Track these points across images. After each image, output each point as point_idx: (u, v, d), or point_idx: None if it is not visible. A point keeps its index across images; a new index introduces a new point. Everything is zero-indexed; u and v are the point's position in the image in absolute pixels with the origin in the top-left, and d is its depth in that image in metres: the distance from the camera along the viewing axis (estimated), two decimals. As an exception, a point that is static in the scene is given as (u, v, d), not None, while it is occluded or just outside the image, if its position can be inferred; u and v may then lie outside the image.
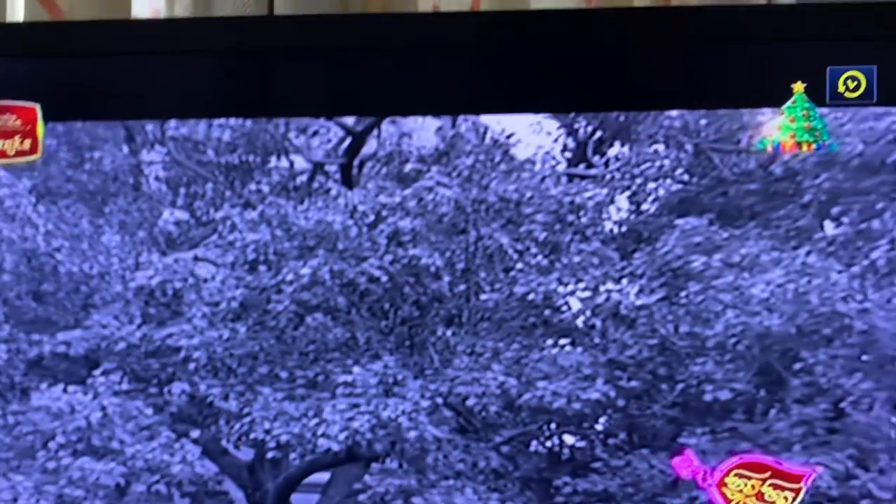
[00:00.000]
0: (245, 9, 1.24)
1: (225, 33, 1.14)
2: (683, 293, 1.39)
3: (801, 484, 1.24)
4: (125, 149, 1.37)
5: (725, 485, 1.25)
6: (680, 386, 1.43)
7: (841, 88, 1.06)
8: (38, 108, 1.12)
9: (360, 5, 1.24)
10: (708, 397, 1.41)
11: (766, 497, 1.24)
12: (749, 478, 1.25)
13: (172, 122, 1.35)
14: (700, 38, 1.06)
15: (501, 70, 1.15)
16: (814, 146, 1.12)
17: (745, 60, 1.05)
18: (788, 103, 1.06)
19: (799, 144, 1.12)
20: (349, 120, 1.33)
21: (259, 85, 1.18)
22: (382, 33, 1.13)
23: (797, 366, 1.40)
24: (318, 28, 1.13)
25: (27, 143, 1.19)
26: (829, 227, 1.41)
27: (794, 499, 1.24)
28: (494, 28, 1.13)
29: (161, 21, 1.22)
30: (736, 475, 1.25)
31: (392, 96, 1.19)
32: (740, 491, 1.24)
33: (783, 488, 1.24)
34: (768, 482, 1.24)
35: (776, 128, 1.11)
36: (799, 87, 1.04)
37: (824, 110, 1.07)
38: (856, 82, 1.06)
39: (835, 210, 1.39)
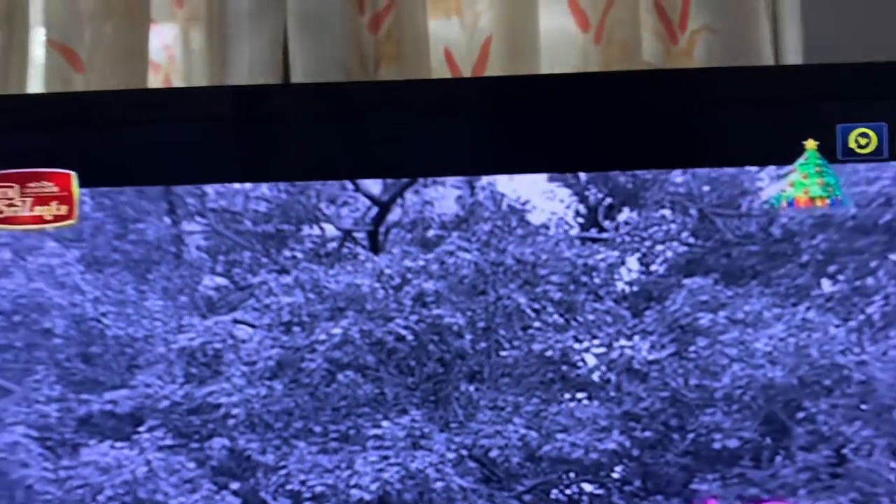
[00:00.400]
0: (261, 59, 1.21)
1: (247, 101, 1.16)
2: (692, 348, 1.44)
3: None
4: (167, 220, 1.45)
5: None
6: (691, 435, 1.48)
7: (852, 145, 1.06)
8: (73, 175, 1.13)
9: (373, 71, 1.24)
10: (717, 445, 1.46)
11: None
12: None
13: (212, 195, 1.42)
14: (714, 98, 1.07)
15: (510, 132, 1.17)
16: (827, 201, 1.12)
17: (757, 119, 1.06)
18: (801, 160, 1.06)
19: (812, 200, 1.11)
20: (375, 190, 1.40)
21: (283, 150, 1.21)
22: (396, 99, 1.15)
23: (800, 415, 1.45)
24: (334, 95, 1.16)
25: (64, 209, 1.20)
26: (827, 285, 1.46)
27: None
28: (503, 92, 1.15)
29: (189, 89, 1.23)
30: None
31: (408, 159, 1.22)
32: None
33: None
34: None
35: (789, 184, 1.10)
36: (811, 144, 1.04)
37: (837, 166, 1.08)
38: (867, 139, 1.05)
39: (831, 268, 1.44)
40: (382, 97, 1.16)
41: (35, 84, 1.22)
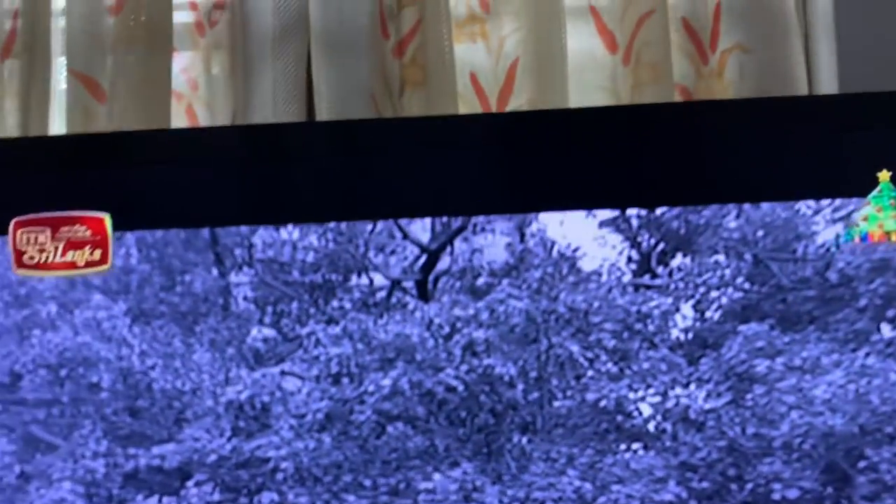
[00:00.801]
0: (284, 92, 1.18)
1: (276, 140, 1.14)
2: (749, 396, 1.41)
3: None
4: (215, 271, 1.43)
5: None
6: (749, 485, 1.44)
7: None
8: (107, 218, 1.09)
9: (397, 96, 1.20)
10: (777, 496, 1.42)
11: None
12: None
13: (259, 246, 1.40)
14: (784, 128, 1.01)
15: (550, 168, 1.14)
16: None
17: (829, 149, 1.01)
18: (875, 192, 1.01)
19: (888, 234, 1.06)
20: (424, 238, 1.38)
21: (316, 189, 1.18)
22: (421, 136, 1.12)
23: (862, 464, 1.41)
24: (360, 133, 1.12)
25: (97, 254, 1.14)
26: (886, 330, 1.42)
27: None
28: (538, 126, 1.11)
29: (216, 129, 1.20)
30: None
31: (439, 196, 1.20)
32: None
33: None
34: None
35: (863, 218, 1.05)
36: (885, 175, 0.98)
37: None
38: (945, 169, 1.00)
39: (890, 313, 1.41)
40: (414, 134, 1.13)
41: (56, 114, 1.19)
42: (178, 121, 1.22)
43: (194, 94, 1.25)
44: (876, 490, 1.43)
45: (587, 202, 1.22)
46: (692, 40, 1.16)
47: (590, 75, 1.19)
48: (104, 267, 1.20)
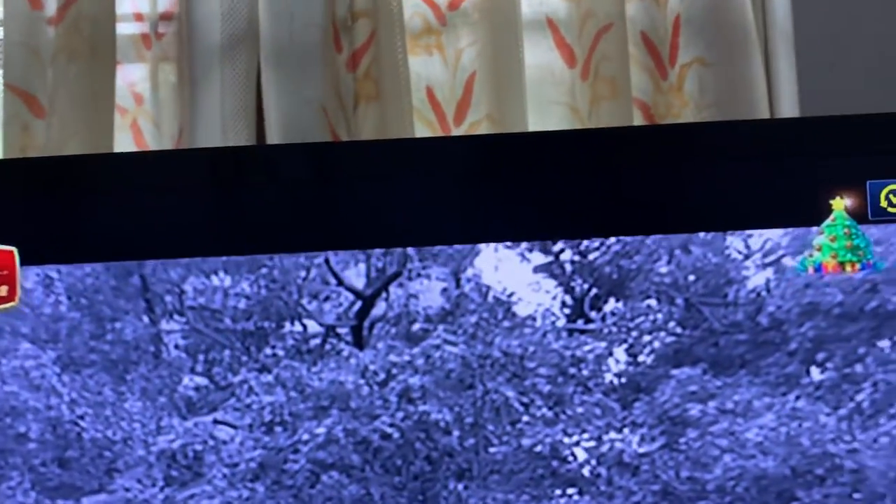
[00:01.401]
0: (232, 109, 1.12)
1: (213, 165, 1.07)
2: (682, 440, 1.39)
3: None
4: (145, 319, 1.38)
5: None
6: (684, 529, 1.42)
7: (884, 203, 0.93)
8: (15, 251, 1.01)
9: (351, 110, 1.15)
10: (711, 539, 1.41)
11: None
12: None
13: (190, 292, 1.35)
14: (734, 153, 0.95)
15: (497, 196, 1.09)
16: (858, 266, 1.00)
17: (779, 176, 0.95)
18: (828, 221, 0.95)
19: (842, 265, 1.00)
20: (359, 284, 1.34)
21: (247, 219, 1.11)
22: (374, 161, 1.07)
23: (794, 505, 1.40)
24: (309, 157, 1.06)
25: (3, 290, 1.06)
26: (815, 373, 1.42)
27: None
28: (491, 151, 1.07)
29: (144, 154, 1.12)
30: None
31: (382, 226, 1.14)
32: None
33: None
34: None
35: (816, 248, 0.99)
36: (838, 203, 0.93)
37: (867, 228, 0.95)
38: (901, 197, 0.93)
39: (820, 356, 1.41)
40: (359, 159, 1.07)
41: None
42: (123, 136, 1.16)
43: (140, 109, 1.19)
44: None
45: (536, 232, 1.17)
46: (651, 54, 1.14)
47: (548, 89, 1.16)
48: (12, 304, 1.11)
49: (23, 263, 1.05)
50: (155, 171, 1.06)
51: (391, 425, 1.41)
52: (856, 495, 1.40)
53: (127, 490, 1.49)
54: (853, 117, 0.88)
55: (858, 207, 0.92)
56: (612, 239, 1.36)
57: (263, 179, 1.08)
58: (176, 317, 1.41)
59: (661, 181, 1.01)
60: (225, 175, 1.08)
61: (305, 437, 1.42)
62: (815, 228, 0.97)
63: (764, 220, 1.02)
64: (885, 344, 1.47)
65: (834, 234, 0.96)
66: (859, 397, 1.38)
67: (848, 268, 1.00)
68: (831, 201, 0.92)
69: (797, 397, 1.40)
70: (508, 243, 1.39)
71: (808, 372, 1.41)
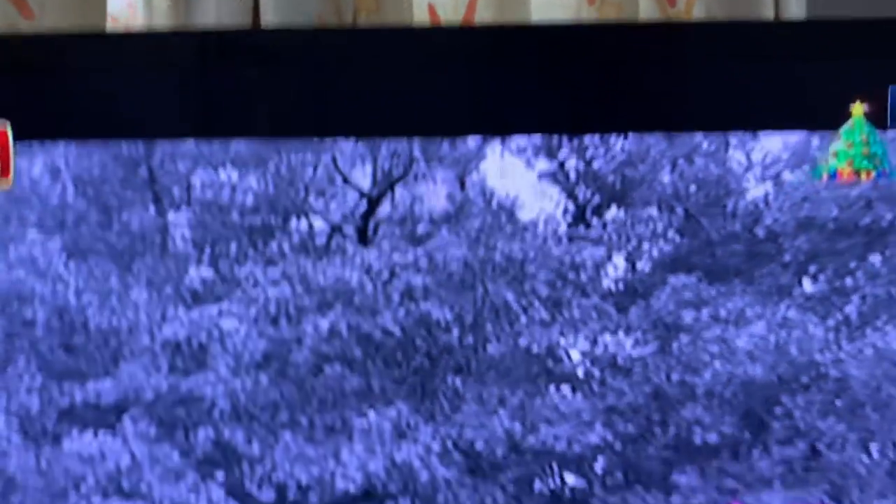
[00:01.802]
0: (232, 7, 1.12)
1: (209, 46, 1.03)
2: (675, 345, 1.42)
3: None
4: (152, 210, 1.38)
5: None
6: (672, 430, 1.46)
7: None
8: (8, 126, 0.95)
9: (351, 13, 1.13)
10: (697, 440, 1.44)
11: None
12: None
13: (197, 186, 1.34)
14: (750, 55, 0.91)
15: (501, 88, 1.05)
16: (873, 174, 0.96)
17: (799, 79, 0.90)
18: (846, 126, 0.90)
19: (857, 172, 0.95)
20: (365, 184, 1.34)
21: (244, 101, 1.08)
22: (373, 46, 1.04)
23: (778, 410, 1.44)
24: (307, 41, 1.03)
25: None
26: (807, 284, 1.44)
27: None
28: (493, 43, 1.02)
29: (141, 33, 1.09)
30: None
31: (381, 114, 1.10)
32: None
33: None
34: None
35: (832, 154, 0.94)
36: (858, 108, 0.88)
37: (889, 134, 0.91)
38: (922, 103, 0.87)
39: (812, 269, 1.43)
40: (360, 46, 1.04)
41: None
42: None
43: (132, 17, 1.16)
44: (789, 435, 1.46)
45: (542, 126, 1.11)
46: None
47: (555, 13, 1.14)
48: (4, 181, 1.06)
49: (17, 139, 1.00)
50: (149, 48, 1.02)
51: (393, 322, 1.42)
52: (838, 403, 1.44)
53: (132, 377, 1.50)
54: (879, 20, 0.84)
55: (878, 113, 0.86)
56: (618, 147, 1.36)
57: (262, 62, 1.05)
58: (183, 208, 1.41)
59: (680, 80, 0.97)
60: (219, 55, 1.05)
61: (309, 330, 1.44)
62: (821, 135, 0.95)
63: (783, 123, 0.97)
64: (876, 259, 1.49)
65: (851, 141, 0.90)
66: (847, 309, 1.41)
67: (863, 175, 0.95)
68: (851, 106, 0.87)
69: (788, 307, 1.43)
70: (514, 149, 1.39)
71: (799, 283, 1.43)
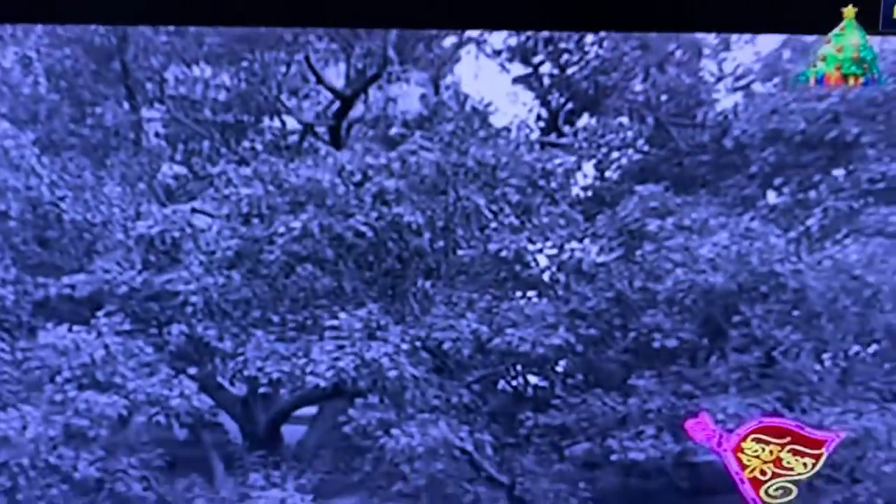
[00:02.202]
0: None
1: None
2: (639, 252, 1.43)
3: (823, 450, 1.08)
4: (126, 105, 1.35)
5: (742, 450, 1.06)
6: (632, 334, 1.48)
7: None
8: None
9: None
10: (657, 345, 1.47)
11: (785, 463, 1.05)
12: (767, 443, 1.05)
13: (171, 82, 1.30)
14: None
15: None
16: (861, 80, 0.88)
17: None
18: (836, 30, 0.84)
19: (845, 77, 0.87)
20: (338, 83, 1.31)
21: None
22: None
23: (736, 319, 1.46)
24: None
25: None
26: (771, 196, 1.45)
27: (814, 465, 1.08)
28: None
29: None
30: (754, 440, 1.06)
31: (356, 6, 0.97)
32: (757, 456, 1.06)
33: (803, 454, 1.04)
34: (788, 448, 1.04)
35: (821, 58, 0.87)
36: (850, 11, 0.83)
37: (876, 40, 0.85)
38: (917, 8, 0.86)
39: (777, 181, 1.43)
40: None
41: None
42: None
43: None
44: (746, 343, 1.49)
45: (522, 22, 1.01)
46: None
47: None
48: None
49: None
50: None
51: (365, 224, 1.42)
52: (795, 312, 1.45)
53: (106, 272, 1.50)
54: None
55: (870, 17, 0.81)
56: (592, 54, 1.34)
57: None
58: (157, 105, 1.38)
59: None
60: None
61: (281, 230, 1.43)
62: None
63: (773, 25, 0.89)
64: (839, 172, 1.49)
65: (841, 44, 0.84)
66: (809, 222, 1.42)
67: (851, 80, 0.86)
68: (843, 9, 0.82)
69: (752, 218, 1.44)
70: (489, 52, 1.37)
71: (764, 195, 1.44)
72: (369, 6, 1.05)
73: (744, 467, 1.17)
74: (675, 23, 0.93)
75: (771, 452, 1.17)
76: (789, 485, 1.15)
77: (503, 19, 1.02)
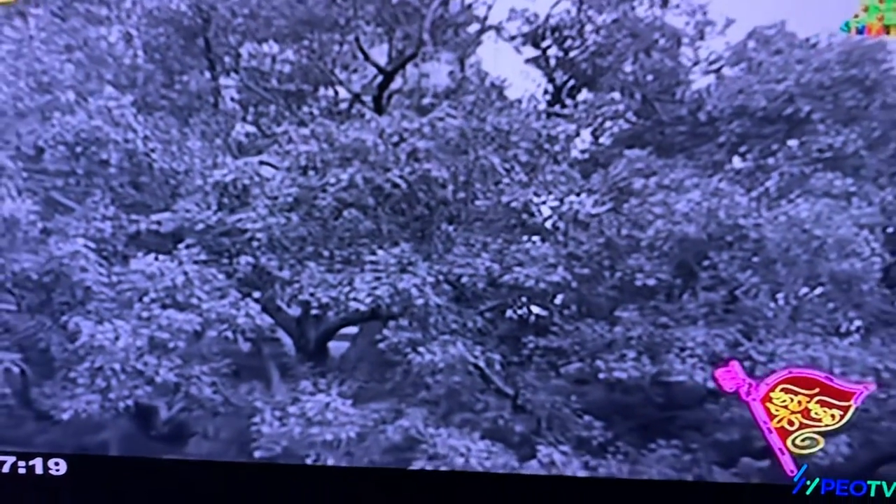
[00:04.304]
0: None
1: None
2: (626, 206, 1.51)
3: (851, 402, 0.96)
4: (207, 74, 1.45)
5: (770, 399, 1.00)
6: (619, 274, 1.56)
7: None
8: None
9: None
10: (639, 283, 1.54)
11: (813, 414, 0.98)
12: (796, 393, 0.99)
13: (245, 56, 1.41)
14: None
15: None
16: None
17: None
18: None
19: (887, 29, 0.79)
20: (382, 60, 1.40)
21: None
22: None
23: (706, 263, 1.53)
24: None
25: None
26: (737, 161, 1.52)
27: (842, 417, 0.96)
28: None
29: None
30: (782, 390, 1.00)
31: None
32: (785, 406, 1.00)
33: (831, 405, 0.98)
34: (816, 399, 0.99)
35: (863, 8, 0.79)
36: None
37: None
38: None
39: (742, 149, 1.51)
40: None
41: None
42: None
43: None
44: (713, 283, 1.56)
45: None
46: None
47: None
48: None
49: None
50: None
51: (400, 177, 1.51)
52: (754, 259, 1.53)
53: (187, 211, 1.59)
54: None
55: None
56: (590, 40, 1.43)
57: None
58: (232, 75, 1.48)
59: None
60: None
61: (332, 180, 1.52)
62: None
63: None
64: (793, 143, 1.57)
65: None
66: (768, 183, 1.49)
67: (893, 31, 0.78)
68: None
69: (720, 180, 1.51)
70: (506, 37, 1.45)
71: (731, 160, 1.52)
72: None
73: (771, 417, 1.02)
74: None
75: (799, 403, 1.02)
76: (816, 435, 1.02)
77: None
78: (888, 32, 0.79)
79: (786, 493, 0.93)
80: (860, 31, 0.81)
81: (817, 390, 1.00)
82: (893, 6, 0.75)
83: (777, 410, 1.01)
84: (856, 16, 0.80)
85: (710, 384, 1.45)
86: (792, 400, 1.00)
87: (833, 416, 0.97)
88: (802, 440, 1.00)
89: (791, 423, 1.01)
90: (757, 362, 1.48)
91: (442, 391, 1.64)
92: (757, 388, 1.00)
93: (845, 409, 0.96)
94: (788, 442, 1.00)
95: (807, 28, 1.35)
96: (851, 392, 0.97)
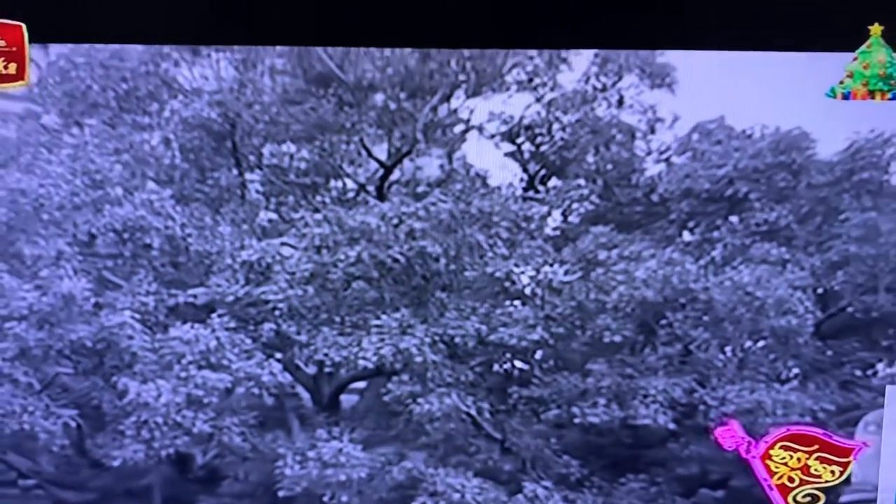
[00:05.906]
0: None
1: None
2: (593, 274, 1.58)
3: (850, 458, 0.98)
4: (234, 171, 1.55)
5: (770, 457, 1.04)
6: (589, 332, 1.62)
7: None
8: (23, 27, 0.76)
9: None
10: (607, 340, 1.61)
11: (813, 471, 1.00)
12: (795, 450, 1.03)
13: (266, 155, 1.51)
14: None
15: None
16: (888, 96, 0.78)
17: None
18: (863, 47, 0.76)
19: (871, 94, 0.79)
20: (382, 156, 1.50)
21: (247, 12, 0.85)
22: None
23: (663, 322, 1.60)
24: None
25: (12, 68, 0.80)
26: (686, 235, 1.60)
27: (842, 473, 0.97)
28: None
29: None
30: (782, 447, 1.04)
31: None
32: (785, 464, 1.02)
33: (831, 462, 1.00)
34: (815, 455, 1.02)
35: (847, 74, 0.78)
36: (876, 29, 0.74)
37: None
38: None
39: (690, 224, 1.59)
40: None
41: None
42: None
43: None
44: (670, 339, 1.63)
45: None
46: None
47: None
48: (21, 83, 0.84)
49: (31, 41, 0.79)
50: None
51: (400, 253, 1.59)
52: (704, 318, 1.61)
53: (219, 286, 1.67)
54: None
55: None
56: (557, 137, 1.52)
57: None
58: (256, 171, 1.57)
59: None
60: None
61: (342, 257, 1.60)
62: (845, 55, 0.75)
63: (801, 44, 0.76)
64: (734, 219, 1.65)
65: (867, 62, 0.74)
66: (714, 253, 1.56)
67: (878, 96, 0.77)
68: (869, 27, 0.72)
69: (673, 250, 1.58)
70: (486, 135, 1.55)
71: (681, 234, 1.59)
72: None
73: (772, 474, 1.04)
74: (694, 41, 0.84)
75: (798, 460, 1.03)
76: (817, 492, 1.01)
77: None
78: (873, 97, 0.80)
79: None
80: (846, 97, 0.82)
81: (816, 447, 1.01)
82: (877, 73, 0.77)
83: (777, 468, 1.02)
84: (841, 82, 0.81)
85: (671, 426, 1.54)
86: (791, 457, 1.02)
87: (833, 472, 0.98)
88: (803, 496, 1.00)
89: (791, 479, 1.02)
90: (710, 406, 1.56)
91: (440, 436, 1.70)
92: (756, 445, 1.03)
93: (845, 466, 0.97)
94: (790, 499, 1.01)
95: (742, 121, 1.45)
96: (850, 448, 0.98)
